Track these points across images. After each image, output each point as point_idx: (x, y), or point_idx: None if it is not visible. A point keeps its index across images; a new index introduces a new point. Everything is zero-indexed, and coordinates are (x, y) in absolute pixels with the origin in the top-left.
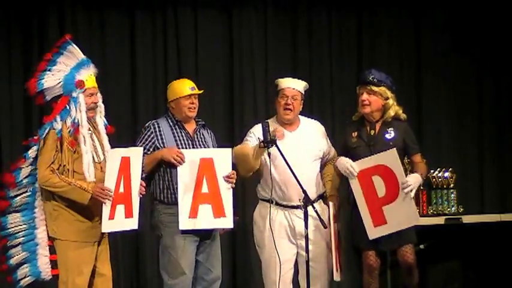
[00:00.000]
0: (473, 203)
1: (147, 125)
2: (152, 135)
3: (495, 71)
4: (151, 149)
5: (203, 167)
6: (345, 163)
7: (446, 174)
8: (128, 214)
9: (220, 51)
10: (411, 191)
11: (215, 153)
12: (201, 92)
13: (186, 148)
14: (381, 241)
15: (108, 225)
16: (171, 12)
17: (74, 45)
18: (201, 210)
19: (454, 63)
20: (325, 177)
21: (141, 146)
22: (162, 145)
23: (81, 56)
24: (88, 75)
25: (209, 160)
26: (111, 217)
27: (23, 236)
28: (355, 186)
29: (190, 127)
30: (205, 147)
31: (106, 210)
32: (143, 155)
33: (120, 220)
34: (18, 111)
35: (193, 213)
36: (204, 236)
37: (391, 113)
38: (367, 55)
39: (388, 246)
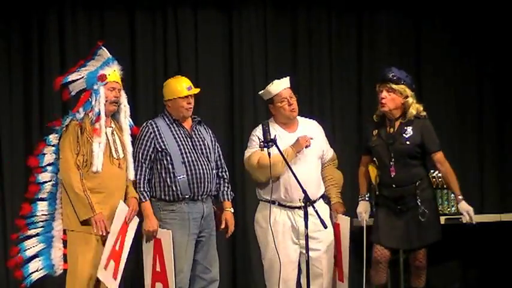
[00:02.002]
0: (473, 203)
1: (144, 125)
2: (152, 135)
3: (495, 71)
4: (150, 149)
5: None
6: (362, 211)
7: None
8: (114, 275)
9: (220, 51)
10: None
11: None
12: (197, 91)
13: (187, 145)
14: (398, 240)
15: (102, 274)
16: (171, 12)
17: (104, 49)
18: (110, 265)
19: (454, 63)
20: (327, 180)
21: (141, 146)
22: (162, 144)
23: (108, 55)
24: (111, 71)
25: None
26: (105, 267)
27: (42, 227)
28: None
29: (187, 124)
30: (203, 142)
31: (104, 257)
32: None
33: (108, 275)
34: (18, 111)
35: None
36: (201, 233)
37: (413, 111)
38: (367, 55)
39: (409, 245)
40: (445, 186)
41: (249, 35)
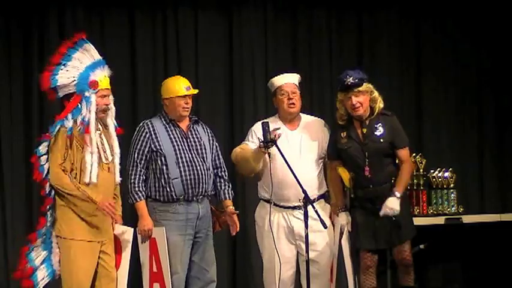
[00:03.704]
0: (473, 203)
1: (140, 125)
2: (147, 135)
3: (495, 71)
4: (146, 149)
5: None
6: (344, 222)
7: (446, 174)
8: None
9: (220, 51)
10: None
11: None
12: (196, 91)
13: (182, 146)
14: (380, 240)
15: None
16: (171, 12)
17: (91, 44)
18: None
19: (454, 63)
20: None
21: (136, 146)
22: (157, 144)
23: (98, 56)
24: (103, 76)
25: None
26: None
27: (44, 235)
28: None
29: (184, 124)
30: (200, 142)
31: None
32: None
33: None
34: (18, 111)
35: None
36: (198, 234)
37: (380, 105)
38: (367, 55)
39: (388, 244)
40: (445, 186)
41: (249, 35)
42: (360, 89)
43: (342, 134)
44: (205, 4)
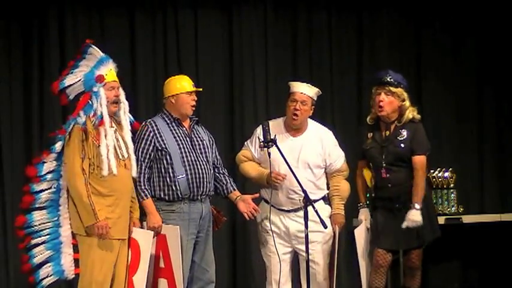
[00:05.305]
0: (473, 203)
1: (143, 123)
2: (151, 134)
3: (495, 71)
4: (150, 148)
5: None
6: (363, 218)
7: (446, 174)
8: None
9: (220, 51)
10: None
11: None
12: (201, 89)
13: (186, 145)
14: (398, 241)
15: None
16: (171, 12)
17: (94, 47)
18: (161, 283)
19: (454, 64)
20: (331, 190)
21: (140, 145)
22: (162, 143)
23: (101, 54)
24: (108, 70)
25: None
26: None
27: (47, 234)
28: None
29: (186, 124)
30: (202, 142)
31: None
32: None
33: None
34: (18, 112)
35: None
36: (199, 233)
37: (409, 115)
38: (367, 55)
39: (406, 245)
40: (445, 186)
41: (249, 35)
42: (392, 89)
43: (368, 134)
44: (205, 4)
